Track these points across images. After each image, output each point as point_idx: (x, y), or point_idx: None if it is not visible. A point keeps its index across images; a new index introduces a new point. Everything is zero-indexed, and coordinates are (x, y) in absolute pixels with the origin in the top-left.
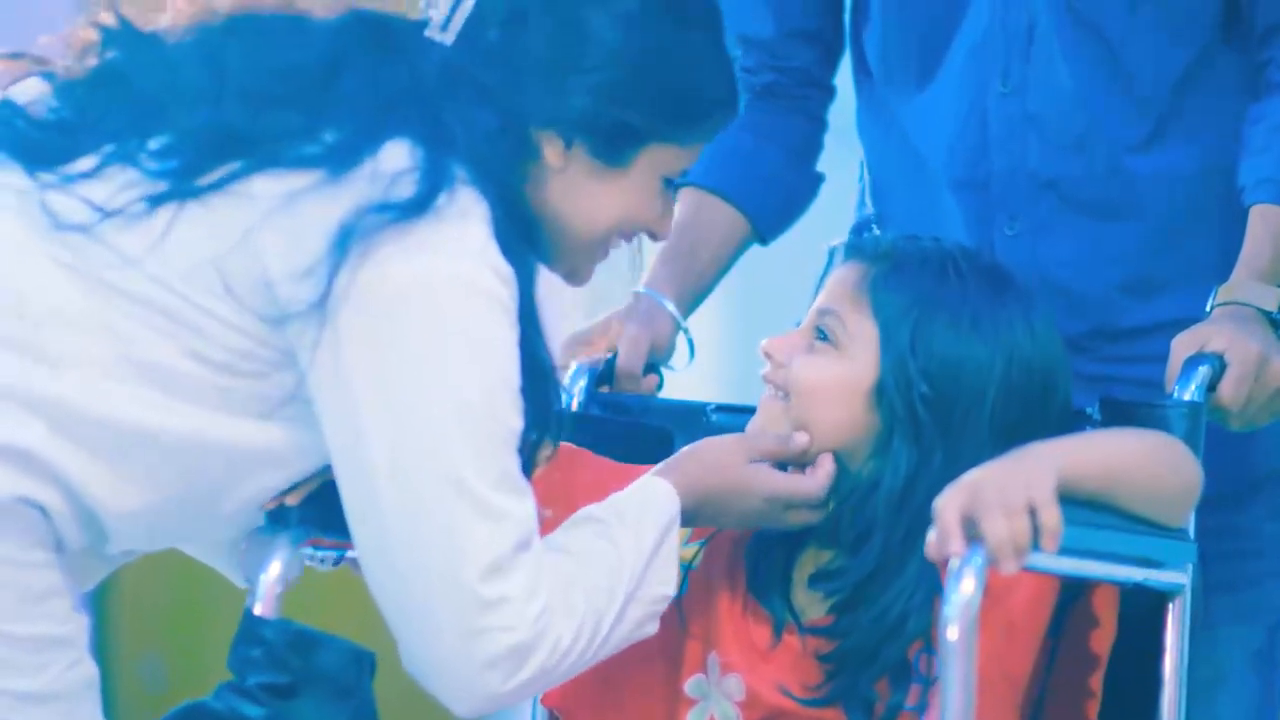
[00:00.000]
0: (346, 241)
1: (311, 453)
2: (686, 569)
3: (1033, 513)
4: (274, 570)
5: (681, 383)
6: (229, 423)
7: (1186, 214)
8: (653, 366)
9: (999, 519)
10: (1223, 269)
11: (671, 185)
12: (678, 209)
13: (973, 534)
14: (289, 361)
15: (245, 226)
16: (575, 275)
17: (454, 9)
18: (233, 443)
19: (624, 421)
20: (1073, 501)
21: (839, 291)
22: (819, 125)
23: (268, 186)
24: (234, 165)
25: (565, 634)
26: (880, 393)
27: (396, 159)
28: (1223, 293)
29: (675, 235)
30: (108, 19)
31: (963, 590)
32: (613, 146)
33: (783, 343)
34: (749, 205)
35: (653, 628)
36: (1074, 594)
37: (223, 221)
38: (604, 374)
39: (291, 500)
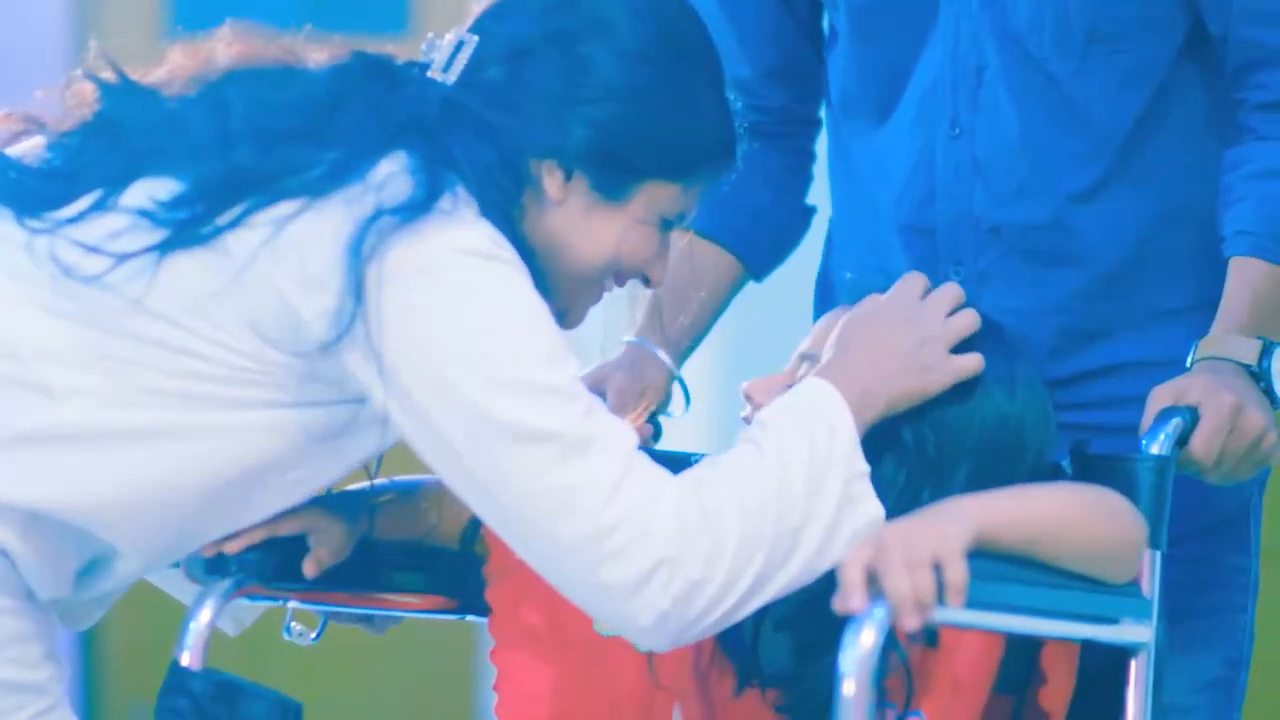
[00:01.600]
0: (359, 249)
1: (315, 465)
2: None
3: (939, 568)
4: (203, 618)
5: (679, 431)
6: (230, 426)
7: (1131, 261)
8: (649, 415)
9: (900, 574)
10: (1166, 314)
11: (669, 228)
12: None
13: (876, 589)
14: (299, 375)
15: (244, 256)
16: (568, 315)
17: (456, 51)
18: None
19: None
20: (997, 556)
21: (821, 334)
22: (807, 158)
23: (262, 215)
24: (244, 205)
25: (712, 541)
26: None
27: (391, 166)
28: (1202, 347)
29: (665, 280)
30: (105, 73)
31: (861, 644)
32: (612, 180)
33: (762, 384)
34: (738, 245)
35: (867, 509)
36: (1029, 650)
37: (218, 256)
38: None
39: (230, 548)
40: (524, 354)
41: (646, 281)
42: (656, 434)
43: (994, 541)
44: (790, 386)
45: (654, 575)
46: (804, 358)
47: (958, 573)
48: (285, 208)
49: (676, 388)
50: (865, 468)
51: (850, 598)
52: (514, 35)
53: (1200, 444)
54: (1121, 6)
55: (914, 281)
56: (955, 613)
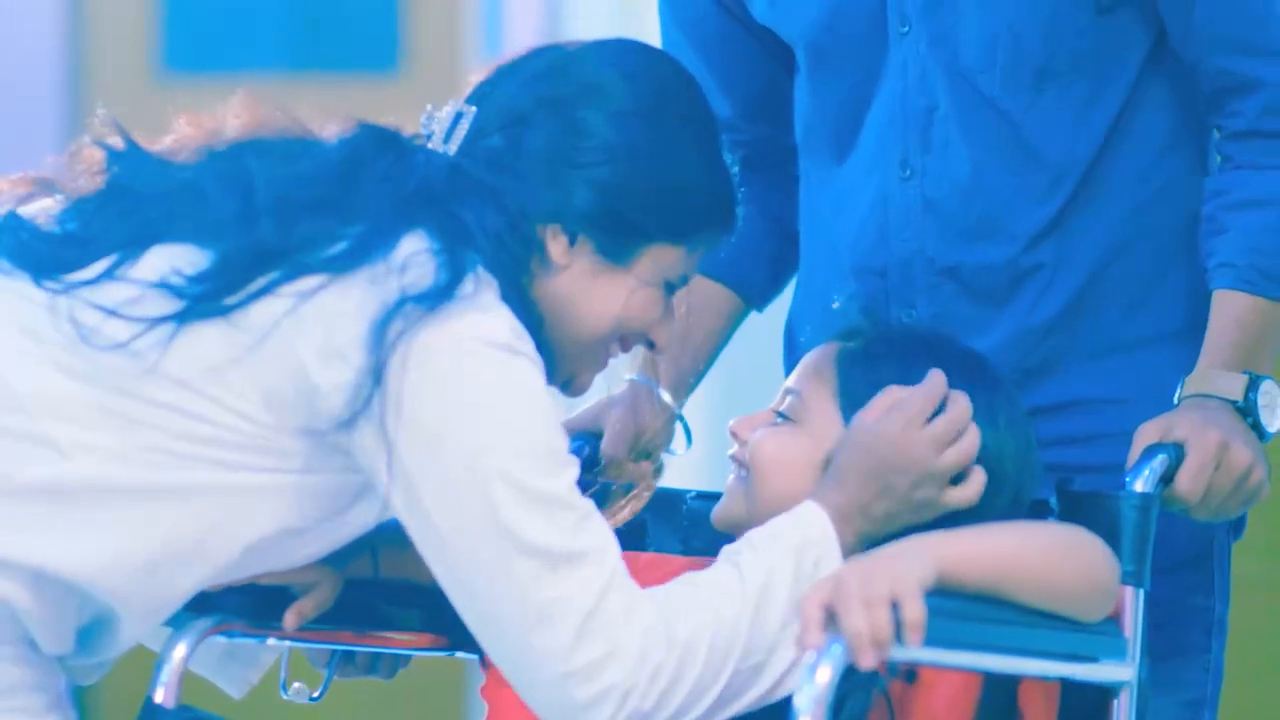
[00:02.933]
0: (384, 333)
1: (320, 532)
2: None
3: (898, 606)
4: (178, 654)
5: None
6: (237, 489)
7: (1084, 295)
8: (649, 453)
9: (858, 611)
10: (1118, 347)
11: (672, 291)
12: None
13: (834, 627)
14: (308, 445)
15: (265, 325)
16: (574, 382)
17: (455, 123)
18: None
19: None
20: (961, 595)
21: (805, 370)
22: (797, 186)
23: (286, 288)
24: (268, 278)
25: (666, 661)
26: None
27: (413, 245)
28: (1189, 384)
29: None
30: (114, 140)
31: (816, 681)
32: (616, 242)
33: (747, 421)
34: (734, 278)
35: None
36: (1009, 688)
37: (238, 324)
38: (589, 461)
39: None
40: (531, 460)
41: (650, 345)
42: (658, 471)
43: (957, 579)
44: (775, 421)
45: (608, 697)
46: (788, 392)
47: (915, 611)
48: (309, 282)
49: (678, 425)
50: None
51: (808, 634)
52: (510, 103)
53: (1186, 481)
54: (1074, 40)
55: (923, 399)
56: (914, 651)
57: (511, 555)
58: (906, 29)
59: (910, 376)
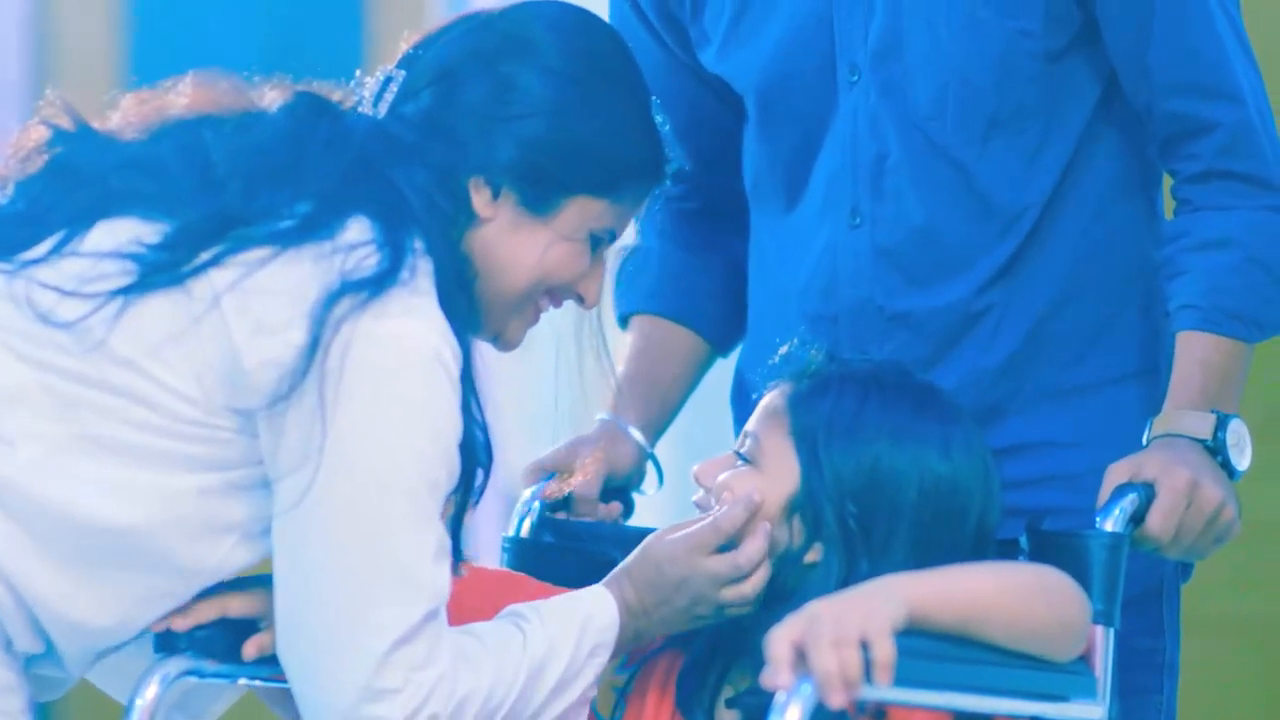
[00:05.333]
0: (326, 314)
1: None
2: (621, 692)
3: (867, 646)
4: (149, 694)
5: (650, 508)
6: (183, 486)
7: (1034, 340)
8: (620, 492)
9: (827, 651)
10: (1068, 391)
11: (599, 245)
12: (633, 337)
13: (804, 666)
14: (246, 430)
15: (209, 298)
16: (504, 337)
17: (384, 87)
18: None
19: (568, 549)
20: (932, 635)
21: (762, 412)
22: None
23: (236, 258)
24: (222, 246)
25: (444, 710)
26: (794, 508)
27: (358, 231)
28: (1157, 425)
29: (635, 360)
30: (61, 119)
31: None
32: (539, 194)
33: (710, 465)
34: (699, 324)
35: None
36: None
37: (185, 296)
38: (561, 500)
39: (179, 625)
40: (426, 473)
41: (580, 300)
42: (629, 511)
43: (927, 620)
44: (736, 464)
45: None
46: (746, 435)
47: (885, 650)
48: (257, 254)
49: (649, 465)
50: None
51: (778, 674)
52: (438, 61)
53: (1157, 520)
54: (1024, 87)
55: (712, 533)
56: (884, 690)
57: (373, 562)
58: (856, 78)
59: (864, 412)
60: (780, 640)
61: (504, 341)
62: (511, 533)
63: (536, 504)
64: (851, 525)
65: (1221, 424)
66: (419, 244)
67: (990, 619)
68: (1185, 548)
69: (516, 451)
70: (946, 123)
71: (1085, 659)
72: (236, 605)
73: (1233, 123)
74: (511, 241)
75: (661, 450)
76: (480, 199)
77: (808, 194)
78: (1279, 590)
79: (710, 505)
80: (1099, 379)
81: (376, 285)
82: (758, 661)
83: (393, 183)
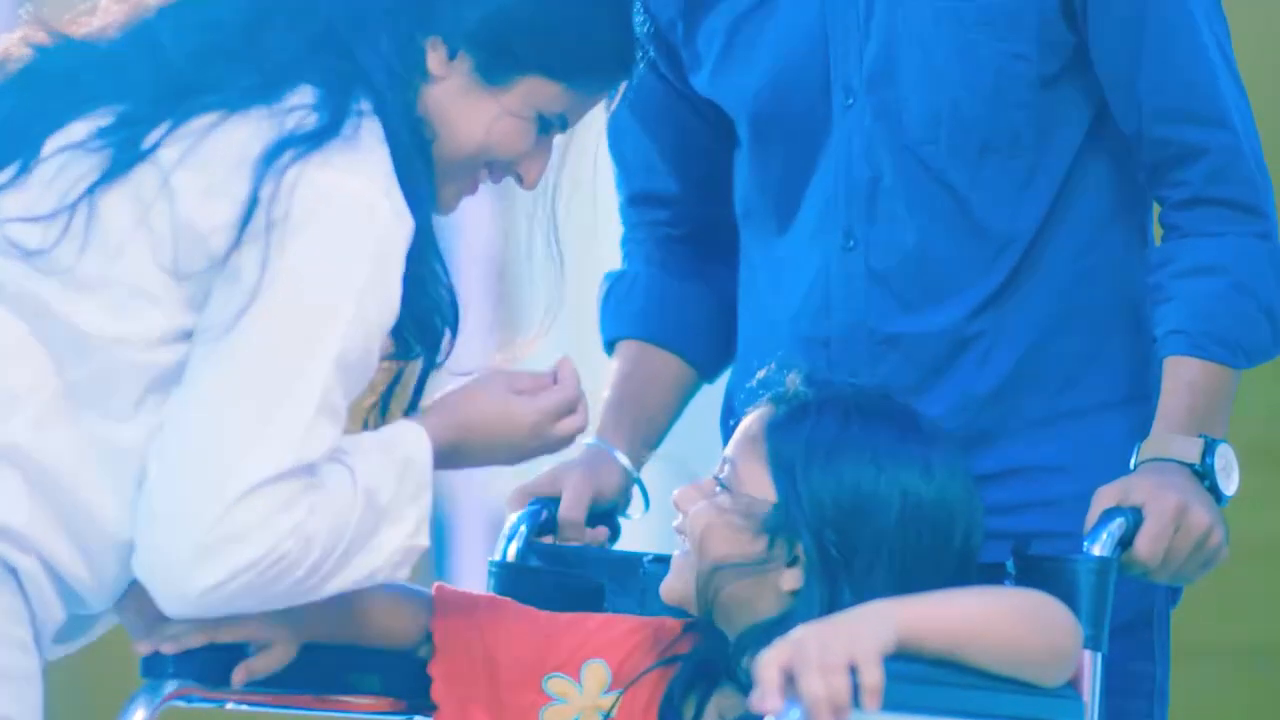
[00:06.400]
0: (268, 166)
1: None
2: (605, 717)
3: (856, 670)
4: (138, 717)
5: (636, 532)
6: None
7: (1026, 365)
8: (607, 516)
9: (816, 676)
10: (1058, 416)
11: (547, 128)
12: (619, 361)
13: (793, 690)
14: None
15: (159, 182)
16: (438, 198)
17: None
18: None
19: (554, 573)
20: (921, 659)
21: (740, 437)
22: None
23: (184, 129)
24: (172, 119)
25: (292, 552)
26: (773, 531)
27: (300, 97)
28: (1145, 449)
29: (620, 384)
30: (35, 33)
31: None
32: (493, 65)
33: (690, 491)
34: (685, 350)
35: (389, 575)
36: None
37: (141, 181)
38: (546, 524)
39: (167, 649)
40: (338, 332)
41: (520, 180)
42: (615, 535)
43: (916, 644)
44: (716, 490)
45: (230, 559)
46: (725, 460)
47: (873, 675)
48: (204, 120)
49: (635, 489)
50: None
51: (766, 698)
52: None
53: (1145, 545)
54: (1017, 113)
55: (530, 381)
56: (872, 715)
57: (284, 395)
58: (851, 101)
59: (843, 436)
60: (769, 664)
61: (438, 204)
62: (498, 557)
63: (523, 528)
64: (832, 551)
65: (1209, 449)
66: (365, 105)
67: (979, 643)
68: (1173, 572)
69: (503, 476)
70: (940, 146)
71: (1074, 684)
72: (226, 633)
73: (1221, 149)
74: (460, 105)
75: (650, 474)
76: (435, 57)
77: (800, 217)
78: (1266, 615)
79: (683, 530)
80: (1088, 404)
81: (315, 140)
82: (743, 686)
83: (351, 53)
